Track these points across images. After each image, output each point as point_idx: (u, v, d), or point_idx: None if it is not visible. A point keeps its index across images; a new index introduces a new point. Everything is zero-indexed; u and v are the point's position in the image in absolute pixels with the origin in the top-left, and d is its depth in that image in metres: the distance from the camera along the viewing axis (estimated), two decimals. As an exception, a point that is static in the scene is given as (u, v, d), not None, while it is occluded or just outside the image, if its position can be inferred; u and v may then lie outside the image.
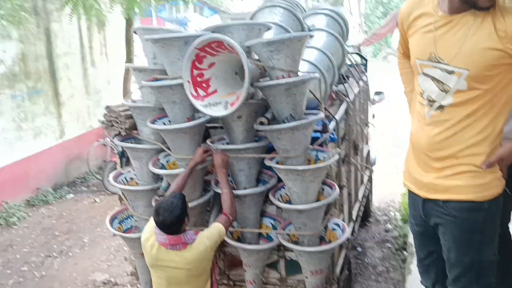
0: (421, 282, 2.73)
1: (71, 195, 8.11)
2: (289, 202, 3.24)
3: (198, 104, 2.97)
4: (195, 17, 26.03)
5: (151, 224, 2.95)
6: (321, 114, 3.16)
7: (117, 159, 3.86)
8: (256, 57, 3.13)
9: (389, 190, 7.49)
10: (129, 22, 8.60)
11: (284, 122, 3.04)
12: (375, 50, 26.12)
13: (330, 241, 3.32)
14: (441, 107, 2.27)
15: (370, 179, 6.14)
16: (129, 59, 8.88)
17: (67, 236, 6.57)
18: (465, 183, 2.26)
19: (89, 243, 6.32)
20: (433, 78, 2.28)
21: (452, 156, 2.27)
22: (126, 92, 9.01)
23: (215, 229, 2.93)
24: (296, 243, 3.27)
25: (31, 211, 7.39)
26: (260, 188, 3.27)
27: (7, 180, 7.19)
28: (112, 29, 9.79)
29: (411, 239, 3.84)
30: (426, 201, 2.42)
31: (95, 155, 8.75)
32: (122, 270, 5.55)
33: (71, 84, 8.65)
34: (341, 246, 3.92)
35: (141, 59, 11.08)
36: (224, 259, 3.66)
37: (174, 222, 2.76)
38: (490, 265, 2.38)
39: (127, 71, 8.97)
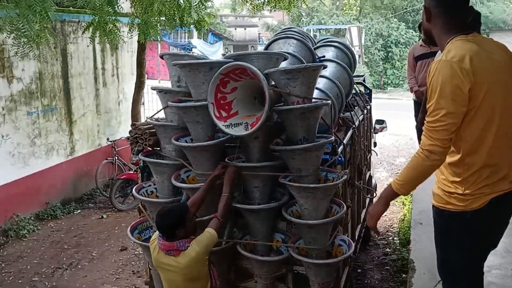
0: None
1: (79, 211, 8.34)
2: (299, 218, 3.50)
3: (220, 124, 3.26)
4: (199, 42, 26.48)
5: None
6: (332, 138, 3.45)
7: (138, 173, 4.11)
8: (273, 83, 3.44)
9: (387, 216, 7.74)
10: (141, 46, 8.97)
11: (298, 144, 3.32)
12: (374, 82, 26.64)
13: (336, 256, 3.57)
14: None
15: (371, 204, 6.40)
16: (140, 81, 9.25)
17: (76, 249, 6.78)
18: (435, 191, 2.67)
19: (98, 257, 6.52)
20: None
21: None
22: (135, 113, 9.32)
23: (206, 235, 3.14)
24: (305, 256, 3.52)
25: (40, 224, 7.62)
26: (273, 204, 3.52)
27: (19, 193, 7.43)
28: (124, 52, 10.18)
29: (412, 256, 4.15)
30: None
31: (103, 173, 9.00)
32: (130, 284, 5.76)
33: (83, 103, 8.97)
34: (345, 263, 4.16)
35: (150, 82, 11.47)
36: (235, 271, 3.89)
37: (166, 227, 3.05)
38: (461, 269, 2.66)
39: (137, 92, 9.32)
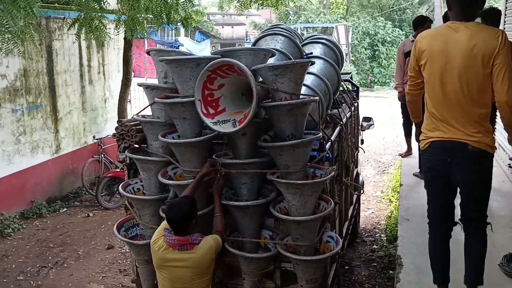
0: None
1: (64, 209, 8.26)
2: (287, 214, 3.49)
3: (208, 121, 3.24)
4: (186, 40, 26.40)
5: (160, 228, 3.23)
6: (320, 134, 3.44)
7: (125, 171, 4.08)
8: (261, 79, 3.42)
9: (375, 213, 7.78)
10: (128, 43, 8.90)
11: (286, 140, 3.31)
12: (361, 80, 26.76)
13: (324, 253, 3.57)
14: None
15: (358, 201, 6.42)
16: (126, 78, 9.17)
17: (61, 248, 6.71)
18: None
19: (84, 256, 6.46)
20: None
21: None
22: (121, 111, 9.25)
23: (216, 236, 3.23)
24: (293, 253, 3.51)
25: (25, 223, 7.52)
26: (261, 201, 3.51)
27: (3, 191, 7.34)
28: (110, 49, 10.10)
29: (399, 252, 4.18)
30: None
31: (89, 171, 8.93)
32: (117, 282, 5.72)
33: (69, 100, 8.88)
34: (332, 260, 4.17)
35: (137, 80, 11.39)
36: (223, 268, 3.87)
37: (182, 218, 3.06)
38: (428, 194, 3.45)
39: (123, 90, 9.25)
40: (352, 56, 27.59)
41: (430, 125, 3.27)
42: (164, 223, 3.23)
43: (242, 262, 3.61)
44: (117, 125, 3.86)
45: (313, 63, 3.54)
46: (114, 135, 3.85)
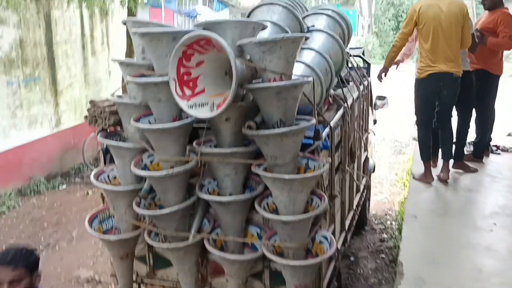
0: None
1: (64, 186, 8.00)
2: (275, 211, 3.07)
3: (183, 104, 2.80)
4: (204, 10, 25.78)
5: None
6: (313, 121, 2.99)
7: (100, 156, 3.70)
8: (248, 57, 2.96)
9: (387, 197, 7.32)
10: (132, 13, 8.45)
11: (274, 127, 2.87)
12: (383, 53, 25.87)
13: (317, 254, 3.16)
14: None
15: (367, 186, 5.95)
16: (130, 50, 8.75)
17: (55, 228, 6.44)
18: None
19: (77, 238, 6.18)
20: None
21: None
22: (125, 84, 8.86)
23: None
24: (281, 254, 3.11)
25: (22, 200, 7.28)
26: (246, 196, 3.10)
27: (-1, 167, 7.08)
28: (114, 19, 9.66)
29: (401, 257, 3.72)
30: None
31: (91, 146, 8.58)
32: (107, 268, 5.40)
33: (70, 72, 8.52)
34: (330, 258, 3.76)
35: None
36: (207, 266, 3.50)
37: None
38: (419, 110, 5.38)
39: (127, 62, 8.83)
40: (375, 28, 26.68)
41: (427, 63, 5.06)
42: None
43: (224, 263, 3.22)
44: (89, 105, 3.46)
45: (307, 38, 3.06)
46: (85, 117, 3.45)
